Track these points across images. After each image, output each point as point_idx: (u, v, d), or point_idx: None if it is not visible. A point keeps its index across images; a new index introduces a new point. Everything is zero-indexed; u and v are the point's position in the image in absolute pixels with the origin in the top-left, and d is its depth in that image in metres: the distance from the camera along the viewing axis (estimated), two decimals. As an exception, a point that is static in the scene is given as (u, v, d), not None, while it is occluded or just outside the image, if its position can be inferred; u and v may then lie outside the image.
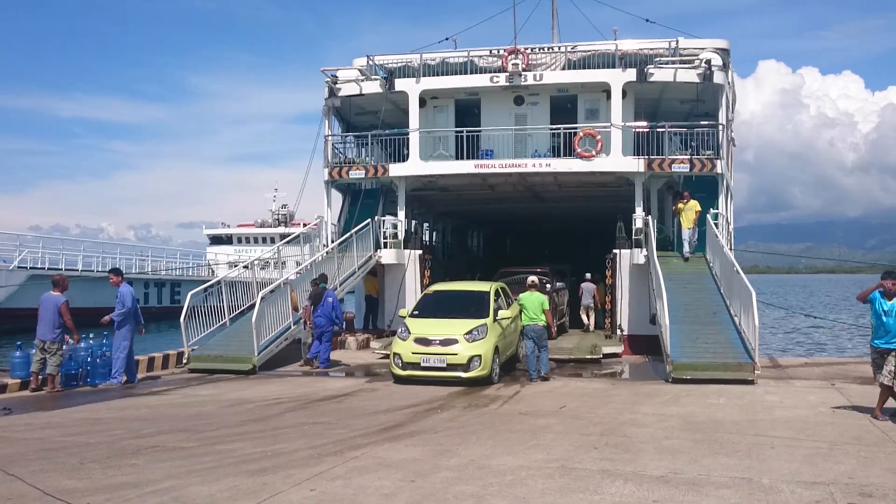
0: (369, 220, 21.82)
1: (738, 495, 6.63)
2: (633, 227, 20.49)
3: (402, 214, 22.59)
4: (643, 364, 17.81)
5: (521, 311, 15.27)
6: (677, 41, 21.68)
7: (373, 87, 22.60)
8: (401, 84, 22.35)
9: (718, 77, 20.95)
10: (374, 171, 22.56)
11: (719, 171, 20.77)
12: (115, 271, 14.96)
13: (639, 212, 20.72)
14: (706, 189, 21.19)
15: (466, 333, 14.00)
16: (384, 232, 21.93)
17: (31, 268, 33.66)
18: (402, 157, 22.66)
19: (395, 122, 23.48)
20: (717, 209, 20.46)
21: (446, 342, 13.93)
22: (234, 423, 10.25)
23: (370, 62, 23.25)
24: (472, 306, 15.00)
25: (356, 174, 22.82)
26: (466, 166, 21.86)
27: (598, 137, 20.93)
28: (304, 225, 27.59)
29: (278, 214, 57.18)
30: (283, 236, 37.93)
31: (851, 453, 8.29)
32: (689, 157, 20.84)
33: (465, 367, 13.73)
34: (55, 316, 13.28)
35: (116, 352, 14.20)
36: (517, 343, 16.09)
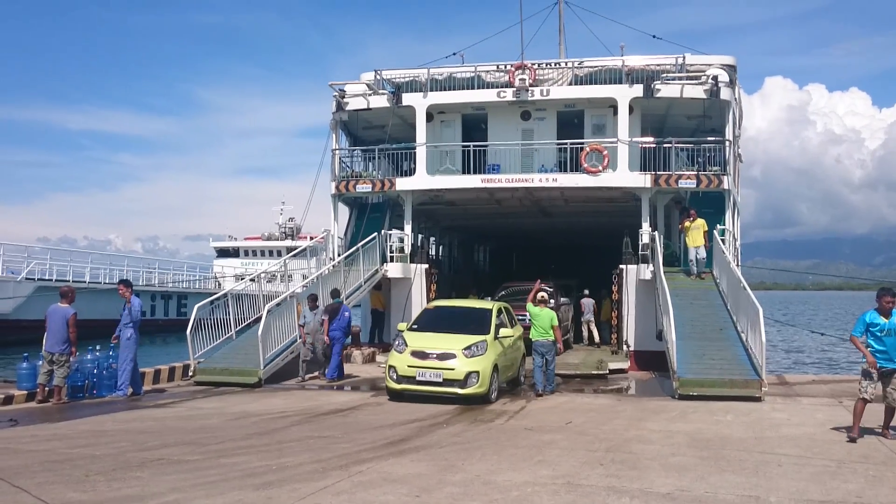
0: (376, 233, 21.85)
1: (745, 513, 6.58)
2: (640, 242, 20.47)
3: (408, 228, 22.64)
4: (649, 380, 17.76)
5: (531, 326, 15.26)
6: (684, 57, 21.73)
7: (380, 101, 22.71)
8: (408, 98, 22.45)
9: (725, 93, 20.98)
10: (381, 185, 22.62)
11: (726, 186, 20.76)
12: (126, 283, 14.98)
13: (645, 227, 20.72)
14: (713, 205, 21.17)
15: (465, 348, 13.51)
16: (390, 246, 21.98)
17: (38, 279, 33.76)
18: (409, 171, 22.74)
19: (402, 137, 23.56)
20: (724, 225, 20.43)
21: (444, 356, 13.43)
22: (240, 436, 10.23)
23: (378, 77, 23.36)
24: (472, 323, 14.59)
25: (363, 188, 22.89)
26: (473, 181, 21.90)
27: (605, 153, 20.96)
28: (311, 238, 27.65)
29: (285, 228, 57.28)
30: (289, 249, 37.98)
31: (860, 472, 8.23)
32: (695, 172, 20.84)
33: (462, 382, 13.21)
34: (64, 328, 13.28)
35: (122, 364, 14.20)
36: (519, 365, 15.71)
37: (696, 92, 20.95)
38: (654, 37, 27.69)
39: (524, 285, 21.27)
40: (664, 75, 21.23)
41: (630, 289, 20.39)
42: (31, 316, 27.87)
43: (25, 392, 13.68)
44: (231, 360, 16.83)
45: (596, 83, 21.89)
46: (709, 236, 19.65)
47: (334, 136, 23.59)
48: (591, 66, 22.26)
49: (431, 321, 14.97)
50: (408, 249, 22.38)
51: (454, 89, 22.60)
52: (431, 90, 22.44)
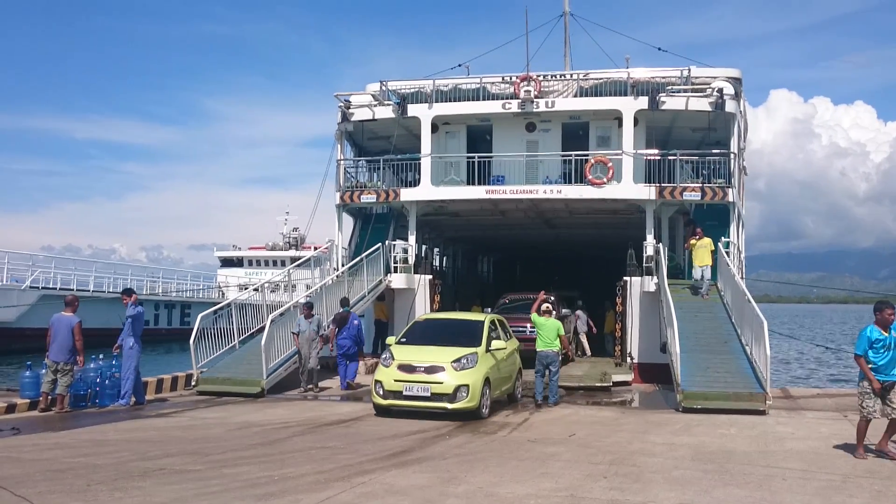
0: (380, 244, 21.85)
1: (749, 528, 6.53)
2: (644, 254, 20.44)
3: (412, 239, 22.63)
4: (653, 392, 17.69)
5: (536, 337, 15.25)
6: (689, 70, 21.73)
7: (385, 112, 22.75)
8: (413, 109, 22.49)
9: (730, 106, 20.98)
10: (386, 196, 22.63)
11: (731, 199, 20.73)
12: (128, 291, 15.00)
13: (650, 239, 20.67)
14: (718, 217, 21.16)
15: (454, 361, 12.88)
16: (395, 256, 21.96)
17: (42, 288, 33.84)
18: (414, 181, 22.75)
19: (407, 148, 23.59)
20: (729, 238, 20.39)
21: (432, 370, 12.80)
22: (242, 446, 10.21)
23: (383, 87, 23.42)
24: (463, 335, 13.97)
25: (367, 198, 22.91)
26: (478, 192, 21.90)
27: (610, 165, 20.95)
28: (315, 248, 27.65)
29: (289, 237, 57.31)
30: (293, 259, 38.03)
31: (865, 487, 8.18)
32: (700, 185, 20.82)
33: (451, 397, 12.57)
34: (69, 337, 13.30)
35: (125, 373, 14.20)
36: (515, 379, 15.15)
37: (701, 104, 20.95)
38: (659, 49, 27.76)
39: (525, 296, 21.27)
40: (669, 88, 21.23)
41: (634, 301, 20.33)
42: (34, 324, 27.89)
43: (28, 400, 13.68)
44: (234, 369, 16.83)
45: (601, 95, 21.90)
46: (714, 263, 19.36)
47: (339, 146, 23.64)
48: (596, 78, 22.29)
49: (421, 334, 14.38)
50: (412, 260, 22.36)
51: (459, 100, 22.63)
52: (437, 101, 22.48)
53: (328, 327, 17.63)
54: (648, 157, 21.46)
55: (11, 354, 27.97)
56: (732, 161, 21.19)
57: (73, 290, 34.71)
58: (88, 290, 36.12)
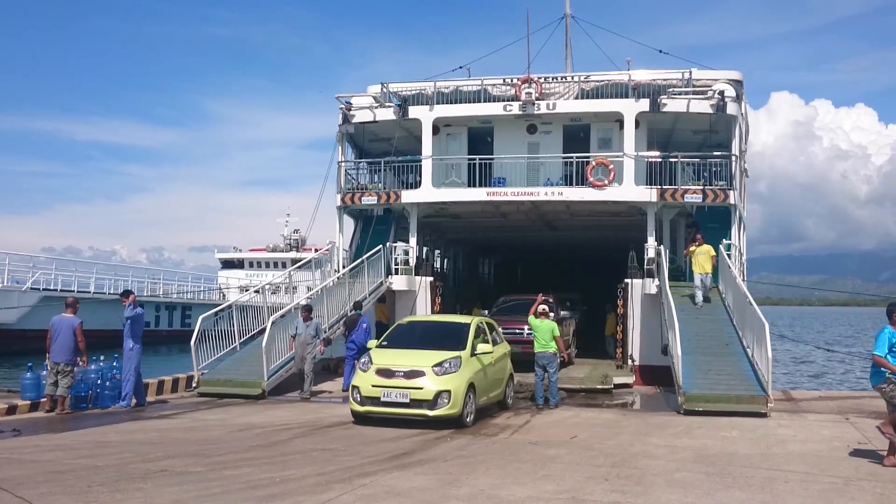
0: (381, 246, 21.85)
1: (751, 531, 6.52)
2: (645, 256, 20.42)
3: (413, 241, 22.63)
4: (654, 395, 17.67)
5: (533, 340, 15.28)
6: (690, 72, 21.74)
7: (386, 114, 22.74)
8: (414, 111, 22.49)
9: (732, 108, 20.97)
10: (387, 198, 22.63)
11: (732, 201, 20.72)
12: (126, 293, 15.00)
13: (651, 241, 20.65)
14: (719, 220, 21.14)
15: (436, 365, 12.17)
16: (395, 258, 21.95)
17: (43, 289, 33.83)
18: (415, 183, 22.76)
19: (408, 149, 23.59)
20: (730, 240, 20.38)
21: (411, 374, 12.08)
22: (243, 448, 10.20)
23: (384, 89, 23.43)
24: (447, 338, 13.28)
25: (368, 200, 22.90)
26: (479, 194, 21.89)
27: (611, 167, 20.95)
28: (316, 250, 27.65)
29: (290, 239, 57.36)
30: (294, 261, 38.02)
31: (867, 489, 8.16)
32: (701, 187, 20.81)
33: (432, 403, 11.84)
34: (71, 338, 13.34)
35: (126, 374, 14.21)
36: (505, 385, 14.51)
37: (702, 107, 20.94)
38: (660, 51, 27.80)
39: (523, 298, 21.25)
40: (670, 90, 21.23)
41: (635, 303, 20.31)
42: (35, 326, 27.89)
43: (29, 402, 13.68)
44: (235, 371, 16.81)
45: (602, 97, 21.90)
46: (715, 265, 19.14)
47: (340, 148, 23.64)
48: (597, 81, 22.28)
49: (403, 337, 13.72)
50: (413, 262, 22.36)
51: (460, 102, 22.63)
52: (438, 103, 22.48)
53: (338, 329, 17.55)
54: (650, 160, 21.45)
55: (12, 356, 27.96)
56: (734, 163, 21.18)
57: (73, 291, 34.74)
58: (89, 292, 36.11)
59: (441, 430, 11.68)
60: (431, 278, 22.22)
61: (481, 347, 13.32)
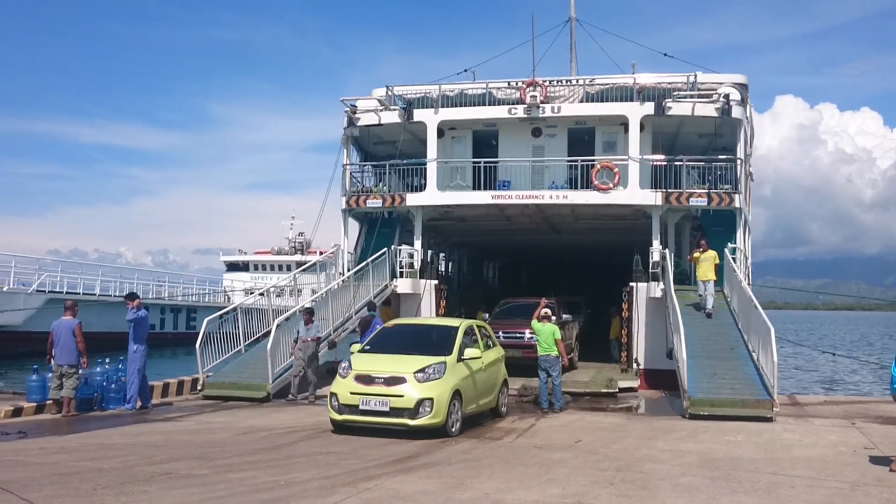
0: (385, 249, 21.85)
1: (757, 536, 6.49)
2: (650, 260, 20.39)
3: (418, 244, 22.62)
4: (659, 399, 17.63)
5: (536, 344, 15.27)
6: (695, 75, 21.71)
7: (391, 117, 22.75)
8: (419, 114, 22.49)
9: (737, 111, 20.93)
10: (392, 201, 22.63)
11: (737, 205, 20.68)
12: (131, 296, 15.02)
13: (656, 245, 20.62)
14: (724, 223, 21.09)
15: (418, 371, 11.52)
16: (400, 261, 21.95)
17: (49, 292, 33.90)
18: (420, 186, 22.75)
19: (412, 152, 23.60)
20: (735, 244, 20.33)
21: (392, 381, 11.45)
22: (247, 451, 10.20)
23: (389, 92, 23.44)
24: (434, 343, 12.68)
25: (373, 203, 22.90)
26: (483, 197, 21.88)
27: (616, 170, 20.92)
28: (321, 253, 27.67)
29: (295, 242, 57.39)
30: (299, 264, 38.06)
31: (874, 495, 8.12)
32: (707, 190, 20.76)
33: (413, 412, 11.21)
34: (71, 340, 13.40)
35: (130, 377, 14.24)
36: (498, 391, 13.85)
37: (707, 110, 20.90)
38: (665, 55, 27.89)
39: (524, 301, 21.23)
40: (675, 93, 21.20)
41: (640, 307, 20.27)
42: (41, 328, 27.92)
43: (35, 404, 13.74)
44: (240, 374, 16.83)
45: (607, 100, 21.87)
46: (720, 269, 19.02)
47: (345, 151, 23.64)
48: (602, 84, 22.24)
49: (387, 341, 13.06)
50: (417, 265, 22.36)
51: (465, 105, 22.63)
52: (443, 106, 22.47)
53: (343, 332, 17.50)
54: (654, 163, 21.42)
55: (18, 358, 28.03)
56: (739, 167, 21.14)
57: (79, 293, 34.82)
58: (95, 294, 36.19)
59: (424, 440, 11.04)
60: (436, 281, 22.21)
61: (469, 352, 12.61)
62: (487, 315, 21.09)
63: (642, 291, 20.30)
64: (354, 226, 24.75)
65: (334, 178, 23.58)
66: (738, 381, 14.70)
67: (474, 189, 22.32)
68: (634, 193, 20.91)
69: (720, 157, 21.59)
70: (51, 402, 13.59)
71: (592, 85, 22.34)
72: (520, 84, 22.04)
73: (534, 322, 15.54)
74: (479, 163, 22.38)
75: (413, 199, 22.45)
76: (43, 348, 13.98)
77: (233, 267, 56.33)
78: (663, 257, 19.85)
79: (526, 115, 21.74)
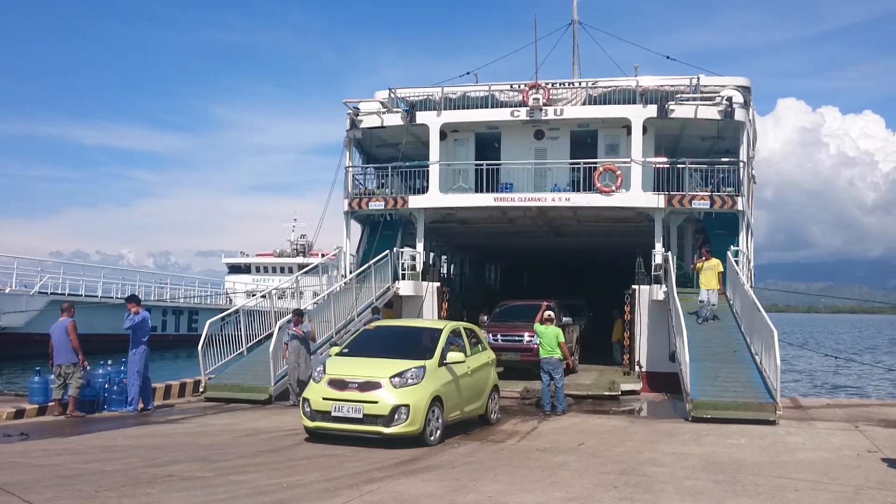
0: (388, 251, 21.85)
1: (761, 539, 6.47)
2: (653, 262, 20.37)
3: (420, 246, 22.63)
4: (662, 402, 17.60)
5: (539, 347, 15.27)
6: (698, 78, 21.70)
7: (394, 119, 22.76)
8: (422, 117, 22.50)
9: (740, 114, 20.94)
10: (394, 203, 22.65)
11: (740, 208, 20.67)
12: (132, 299, 15.03)
13: (658, 247, 20.61)
14: (727, 226, 21.08)
15: (395, 376, 10.93)
16: (402, 263, 21.95)
17: (51, 293, 33.91)
18: (422, 189, 22.75)
19: (415, 155, 23.61)
20: (738, 246, 20.31)
21: (366, 386, 10.83)
22: (250, 453, 10.19)
23: (392, 95, 23.44)
24: (414, 346, 12.16)
25: (376, 205, 22.91)
26: (486, 199, 21.88)
27: (618, 173, 20.91)
28: (323, 255, 27.68)
29: (297, 244, 57.38)
30: (301, 266, 38.06)
31: (878, 499, 8.09)
32: (709, 193, 20.74)
33: (387, 419, 10.59)
34: (66, 339, 13.52)
35: (131, 379, 14.26)
36: (487, 397, 13.21)
37: (710, 113, 20.91)
38: (667, 58, 27.68)
39: (523, 303, 21.20)
40: (678, 96, 21.19)
41: (642, 309, 20.25)
42: (43, 330, 27.81)
43: (37, 406, 13.72)
44: (242, 376, 16.81)
45: (610, 103, 21.87)
46: (724, 277, 18.86)
47: (348, 153, 23.66)
48: (604, 87, 22.25)
49: (366, 344, 12.48)
50: (419, 267, 22.36)
51: (468, 108, 22.63)
52: (445, 109, 22.48)
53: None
54: (657, 166, 21.42)
55: (20, 360, 28.03)
56: (742, 169, 21.14)
57: (81, 295, 34.86)
58: (97, 296, 36.22)
59: (401, 449, 10.43)
60: (438, 284, 22.22)
61: (452, 356, 11.95)
62: (486, 317, 21.04)
63: (645, 294, 20.28)
64: (357, 228, 24.75)
65: (337, 181, 23.63)
66: (741, 384, 14.66)
67: (476, 191, 22.33)
68: (637, 196, 20.90)
69: (723, 159, 21.58)
70: (53, 403, 13.61)
71: (595, 88, 22.35)
72: (522, 87, 22.05)
73: (536, 325, 15.56)
74: (482, 165, 22.40)
75: (415, 202, 22.46)
76: (44, 350, 14.04)
77: (234, 269, 56.31)
78: (666, 260, 19.84)
79: (528, 118, 21.75)
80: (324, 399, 10.93)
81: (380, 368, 11.18)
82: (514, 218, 23.57)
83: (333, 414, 10.80)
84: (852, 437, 12.15)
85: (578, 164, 21.88)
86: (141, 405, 14.30)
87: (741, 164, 21.18)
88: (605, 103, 21.98)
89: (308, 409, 11.06)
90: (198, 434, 12.13)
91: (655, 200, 20.73)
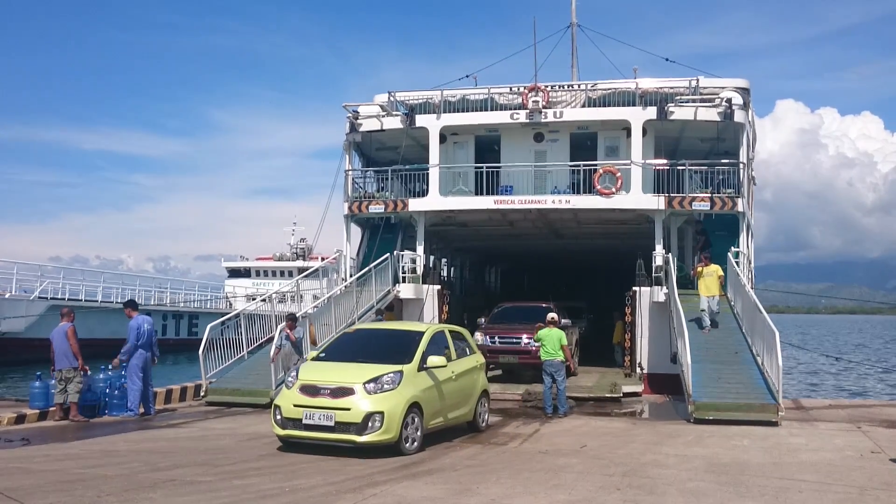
0: (388, 254, 21.82)
1: (766, 541, 6.45)
2: (653, 264, 20.35)
3: (420, 249, 22.60)
4: (664, 403, 17.58)
5: (540, 347, 15.27)
6: (698, 80, 21.70)
7: (394, 122, 22.75)
8: (421, 120, 22.49)
9: (739, 116, 20.94)
10: (394, 206, 22.62)
11: (740, 209, 20.66)
12: (130, 304, 15.05)
13: (659, 249, 20.59)
14: (727, 227, 21.08)
15: (369, 381, 10.40)
16: (403, 266, 21.92)
17: (51, 298, 33.88)
18: (422, 192, 22.74)
19: (415, 158, 23.59)
20: (738, 248, 20.29)
21: (339, 392, 10.32)
22: (252, 457, 10.16)
23: (391, 98, 23.44)
24: (394, 350, 11.47)
25: (376, 209, 22.89)
26: (486, 202, 21.86)
27: (618, 175, 20.89)
28: (323, 259, 27.63)
29: (297, 248, 57.36)
30: (301, 270, 38.01)
31: (882, 500, 8.08)
32: (709, 195, 20.72)
33: (360, 427, 10.06)
34: (66, 343, 13.56)
35: (129, 383, 14.24)
36: (476, 403, 12.61)
37: (709, 114, 20.90)
38: (666, 60, 27.70)
39: (522, 305, 21.16)
40: (678, 98, 21.19)
41: (643, 311, 20.22)
42: (43, 335, 27.75)
43: (38, 411, 13.72)
44: (243, 380, 16.78)
45: (609, 105, 21.86)
46: (724, 283, 18.71)
47: (347, 156, 23.64)
48: (604, 89, 22.26)
49: (344, 348, 11.94)
50: (420, 270, 22.33)
51: (467, 111, 22.62)
52: (445, 112, 22.46)
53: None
54: (657, 168, 21.41)
55: (20, 365, 27.99)
56: (742, 171, 21.13)
57: (81, 300, 34.83)
58: (97, 301, 36.20)
59: (377, 458, 9.93)
60: (439, 286, 22.18)
61: (434, 360, 11.34)
62: (483, 320, 20.94)
63: (645, 296, 20.26)
64: (357, 231, 24.74)
65: (336, 184, 23.60)
66: (743, 386, 14.65)
67: (476, 194, 22.31)
68: (637, 198, 20.88)
69: (723, 161, 21.57)
70: (54, 408, 13.60)
71: (594, 90, 22.36)
72: (522, 89, 22.03)
73: (538, 333, 15.62)
74: (482, 168, 22.37)
75: (415, 205, 22.44)
76: (45, 355, 14.06)
77: (234, 273, 56.27)
78: (666, 262, 19.82)
79: (528, 121, 21.73)
80: (295, 406, 10.43)
81: (354, 374, 10.69)
82: (515, 220, 23.56)
83: (305, 422, 10.31)
84: (855, 438, 12.14)
85: (578, 166, 21.86)
86: (142, 410, 14.28)
87: (741, 166, 21.18)
88: (604, 105, 21.99)
89: (279, 417, 10.56)
90: (199, 438, 12.10)
91: (655, 202, 20.72)
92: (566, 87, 23.13)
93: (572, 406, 15.92)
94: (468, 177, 22.96)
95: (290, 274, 47.85)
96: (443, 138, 22.76)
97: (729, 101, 20.77)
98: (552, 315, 15.78)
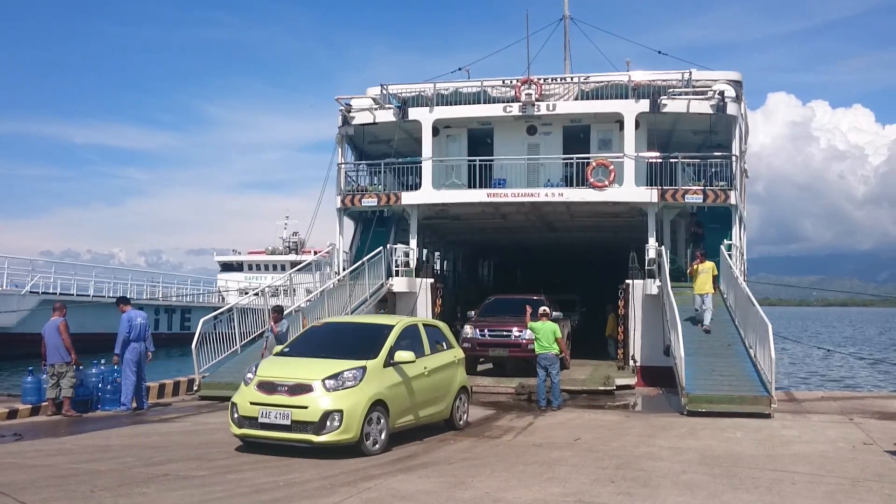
0: (381, 248, 21.78)
1: (760, 533, 6.47)
2: (646, 257, 20.38)
3: (413, 243, 22.57)
4: (657, 396, 17.62)
5: (534, 340, 15.28)
6: (690, 73, 21.72)
7: (386, 115, 22.69)
8: (414, 113, 22.44)
9: (732, 108, 20.95)
10: (387, 199, 22.58)
11: (733, 201, 20.69)
12: (122, 300, 15.01)
13: (652, 242, 20.61)
14: (720, 220, 21.11)
15: (329, 378, 9.84)
16: (396, 260, 21.89)
17: (42, 293, 33.76)
18: (415, 185, 22.71)
19: (407, 151, 23.54)
20: (731, 240, 20.33)
21: (296, 390, 9.78)
22: (246, 451, 10.13)
23: (384, 91, 23.38)
24: (360, 344, 10.91)
25: (369, 202, 22.85)
26: (479, 195, 21.85)
27: (611, 167, 20.90)
28: (316, 252, 27.58)
29: (289, 242, 57.29)
30: (293, 264, 37.94)
31: (875, 490, 8.12)
32: (702, 187, 20.75)
33: (318, 426, 9.52)
34: (58, 338, 13.49)
35: (123, 378, 14.20)
36: (452, 401, 11.99)
37: (702, 107, 20.90)
38: (659, 52, 27.79)
39: (512, 297, 21.14)
40: (670, 90, 21.20)
41: (636, 304, 20.24)
42: (34, 329, 27.68)
43: (30, 406, 13.65)
44: (236, 374, 16.63)
45: (602, 98, 21.85)
46: (717, 280, 18.62)
47: (340, 150, 23.58)
48: (597, 82, 22.24)
49: (309, 343, 11.41)
50: (413, 264, 22.30)
51: (460, 104, 22.59)
52: (437, 105, 22.42)
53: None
54: (650, 160, 21.41)
55: (12, 360, 27.89)
56: (734, 163, 21.15)
57: (72, 295, 34.70)
58: (88, 295, 36.07)
59: (336, 459, 9.40)
60: (432, 280, 22.17)
61: (401, 355, 10.74)
62: (472, 313, 20.89)
63: (638, 288, 20.28)
64: (350, 225, 24.69)
65: (329, 178, 23.52)
66: (736, 378, 14.69)
67: (469, 187, 22.30)
68: (630, 191, 20.90)
69: (715, 153, 21.58)
70: (46, 403, 13.53)
71: (587, 83, 22.33)
72: (515, 82, 22.02)
73: (530, 323, 15.61)
74: (475, 161, 22.35)
75: (408, 198, 22.40)
76: (36, 350, 14.00)
77: (227, 267, 56.19)
78: (659, 254, 19.84)
79: (521, 113, 21.71)
80: (251, 404, 9.90)
81: (314, 369, 10.12)
82: (508, 213, 23.56)
83: (260, 420, 9.77)
84: (847, 430, 12.20)
85: (571, 159, 21.84)
86: (135, 404, 14.24)
87: (733, 158, 21.21)
88: (597, 98, 21.96)
89: (236, 415, 10.04)
90: (193, 433, 12.08)
91: (648, 195, 20.73)
92: (559, 79, 23.09)
93: (566, 399, 15.94)
94: (461, 170, 22.94)
95: (283, 268, 47.82)
96: (435, 131, 22.71)
97: (721, 93, 20.78)
98: (544, 308, 15.77)
